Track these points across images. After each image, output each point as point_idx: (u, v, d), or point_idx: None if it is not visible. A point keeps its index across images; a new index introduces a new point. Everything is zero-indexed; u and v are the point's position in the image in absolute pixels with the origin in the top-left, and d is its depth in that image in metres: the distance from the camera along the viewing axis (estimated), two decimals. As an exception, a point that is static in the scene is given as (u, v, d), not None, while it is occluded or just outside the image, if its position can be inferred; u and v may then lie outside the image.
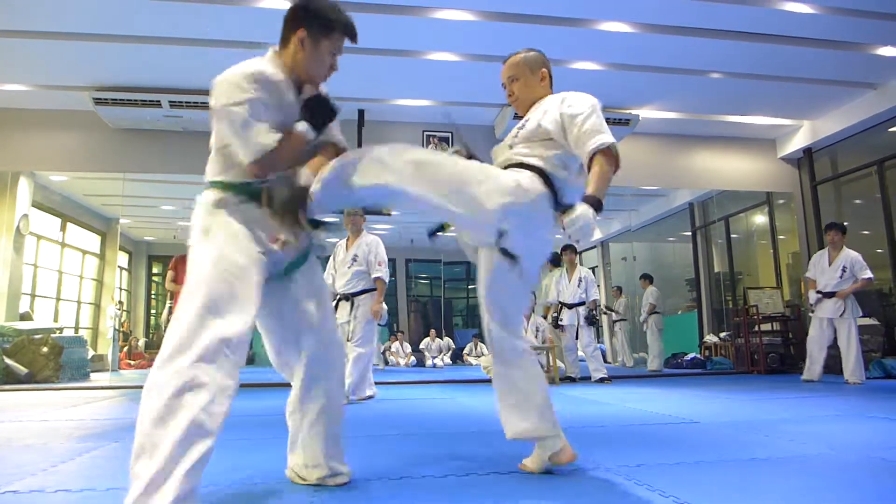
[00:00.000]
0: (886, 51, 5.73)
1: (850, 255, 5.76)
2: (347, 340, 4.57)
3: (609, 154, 1.91)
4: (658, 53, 5.74)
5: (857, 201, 8.10)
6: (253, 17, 4.93)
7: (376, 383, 4.96)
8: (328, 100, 1.81)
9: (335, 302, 4.60)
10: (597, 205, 1.82)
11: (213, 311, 1.53)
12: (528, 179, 1.94)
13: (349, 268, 4.68)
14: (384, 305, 4.85)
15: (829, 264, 5.81)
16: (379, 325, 4.93)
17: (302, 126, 1.75)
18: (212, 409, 1.44)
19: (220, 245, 1.64)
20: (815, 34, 5.42)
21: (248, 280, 1.62)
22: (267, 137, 1.67)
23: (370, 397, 4.65)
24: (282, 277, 1.82)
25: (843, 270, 5.70)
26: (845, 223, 6.54)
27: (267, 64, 1.76)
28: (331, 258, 4.86)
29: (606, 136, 1.92)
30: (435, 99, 6.80)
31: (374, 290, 4.68)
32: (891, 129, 7.15)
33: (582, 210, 1.80)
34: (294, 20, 1.79)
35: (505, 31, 5.14)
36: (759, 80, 6.32)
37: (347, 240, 4.84)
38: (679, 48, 5.63)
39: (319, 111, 1.78)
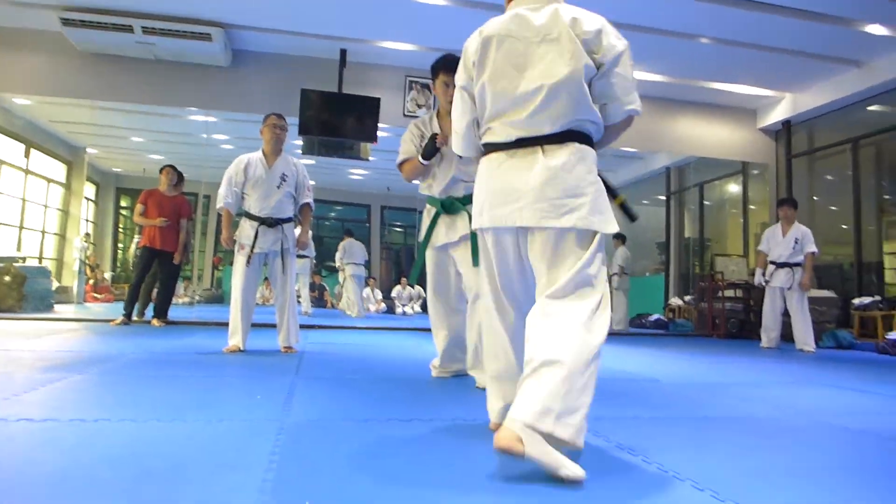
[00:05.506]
0: (874, 28, 5.73)
1: (801, 228, 6.09)
2: (274, 276, 4.00)
3: None
4: (645, 14, 5.65)
5: (829, 177, 8.24)
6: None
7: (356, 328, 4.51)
8: (432, 139, 2.84)
9: (254, 230, 3.89)
10: None
11: None
12: None
13: (278, 188, 3.95)
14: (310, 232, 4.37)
15: (783, 237, 6.10)
16: (302, 255, 4.34)
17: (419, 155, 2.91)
18: None
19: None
20: (806, 6, 5.38)
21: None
22: (399, 157, 3.01)
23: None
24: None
25: (796, 242, 6.02)
26: (815, 198, 6.66)
27: (425, 116, 3.08)
28: (234, 173, 3.93)
29: None
30: (420, 44, 6.62)
31: (293, 218, 4.11)
32: (869, 108, 7.23)
33: None
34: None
35: (496, -23, 4.99)
36: (745, 49, 6.30)
37: (263, 155, 3.99)
38: (667, 10, 5.55)
39: (426, 145, 2.87)
